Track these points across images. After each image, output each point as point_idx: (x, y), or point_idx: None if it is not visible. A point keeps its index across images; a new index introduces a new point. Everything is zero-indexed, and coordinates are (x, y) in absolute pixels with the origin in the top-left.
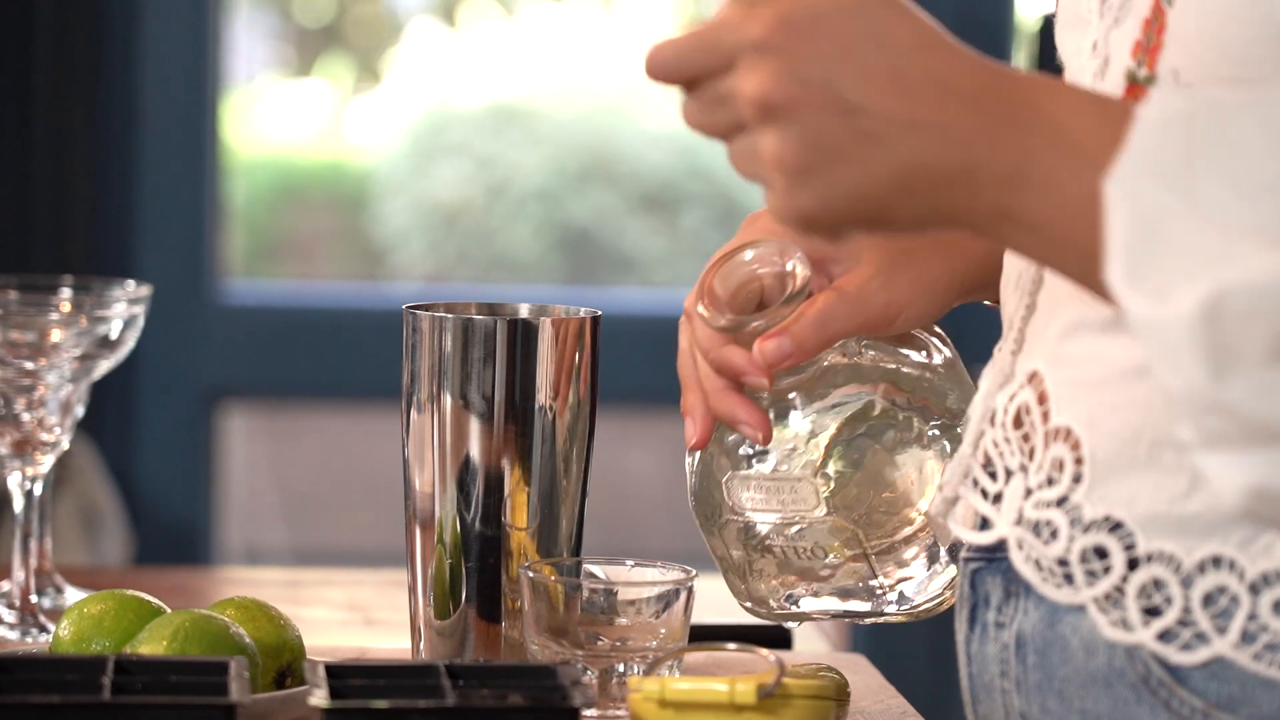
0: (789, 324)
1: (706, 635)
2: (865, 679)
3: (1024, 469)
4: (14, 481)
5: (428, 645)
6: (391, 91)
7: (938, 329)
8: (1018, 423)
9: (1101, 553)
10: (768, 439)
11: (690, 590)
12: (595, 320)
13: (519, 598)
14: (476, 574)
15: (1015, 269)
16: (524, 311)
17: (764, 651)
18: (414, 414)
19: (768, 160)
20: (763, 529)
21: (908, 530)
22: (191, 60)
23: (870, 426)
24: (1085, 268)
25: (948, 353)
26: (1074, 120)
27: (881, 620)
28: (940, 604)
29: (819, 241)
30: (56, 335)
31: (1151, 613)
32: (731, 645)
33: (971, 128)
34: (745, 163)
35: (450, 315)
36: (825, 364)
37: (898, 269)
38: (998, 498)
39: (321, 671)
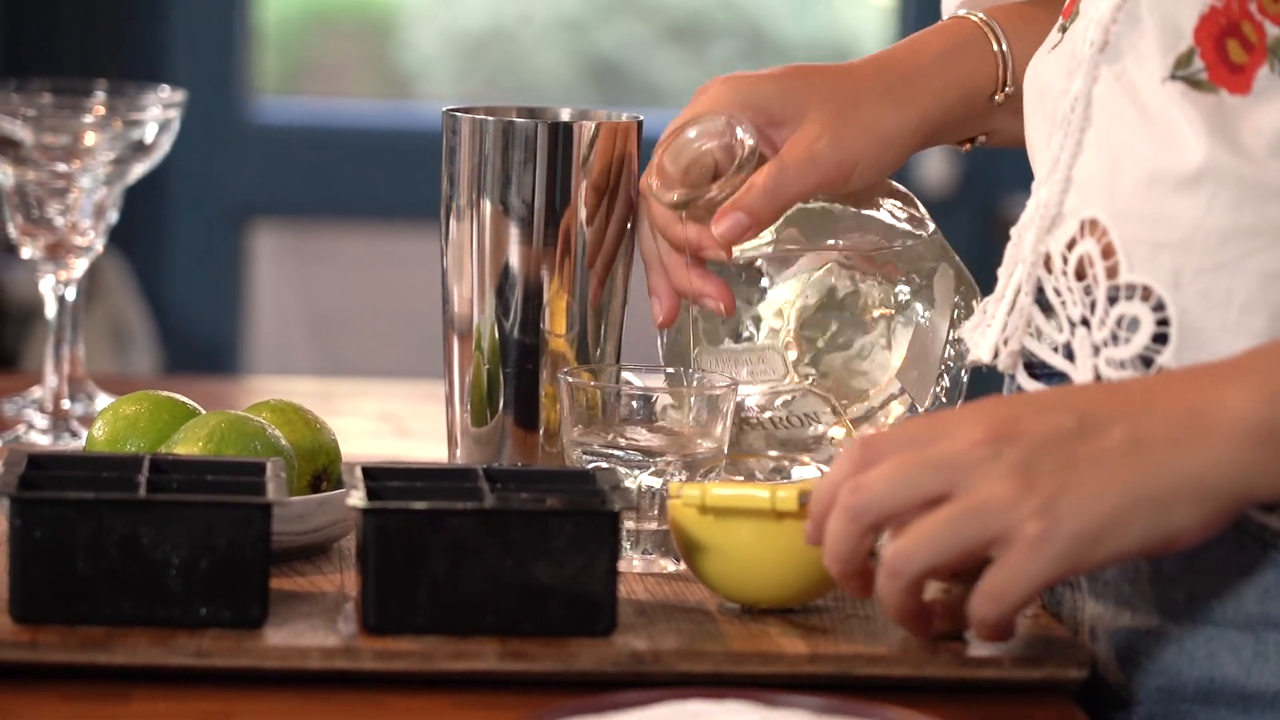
0: (741, 196)
1: None
2: None
3: (1085, 322)
4: (46, 285)
5: (465, 453)
6: None
7: (901, 187)
8: (1080, 273)
9: None
10: (730, 310)
11: (731, 398)
12: (638, 125)
13: (558, 405)
14: (514, 381)
15: (1049, 102)
16: (565, 115)
17: (806, 460)
18: (453, 221)
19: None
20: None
21: (883, 395)
22: None
23: (834, 292)
24: None
25: (914, 211)
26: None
27: None
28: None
29: (765, 104)
30: (90, 138)
31: None
32: (773, 453)
33: (1189, 381)
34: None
35: (490, 118)
36: (785, 234)
37: (847, 124)
38: (1068, 351)
39: (359, 473)
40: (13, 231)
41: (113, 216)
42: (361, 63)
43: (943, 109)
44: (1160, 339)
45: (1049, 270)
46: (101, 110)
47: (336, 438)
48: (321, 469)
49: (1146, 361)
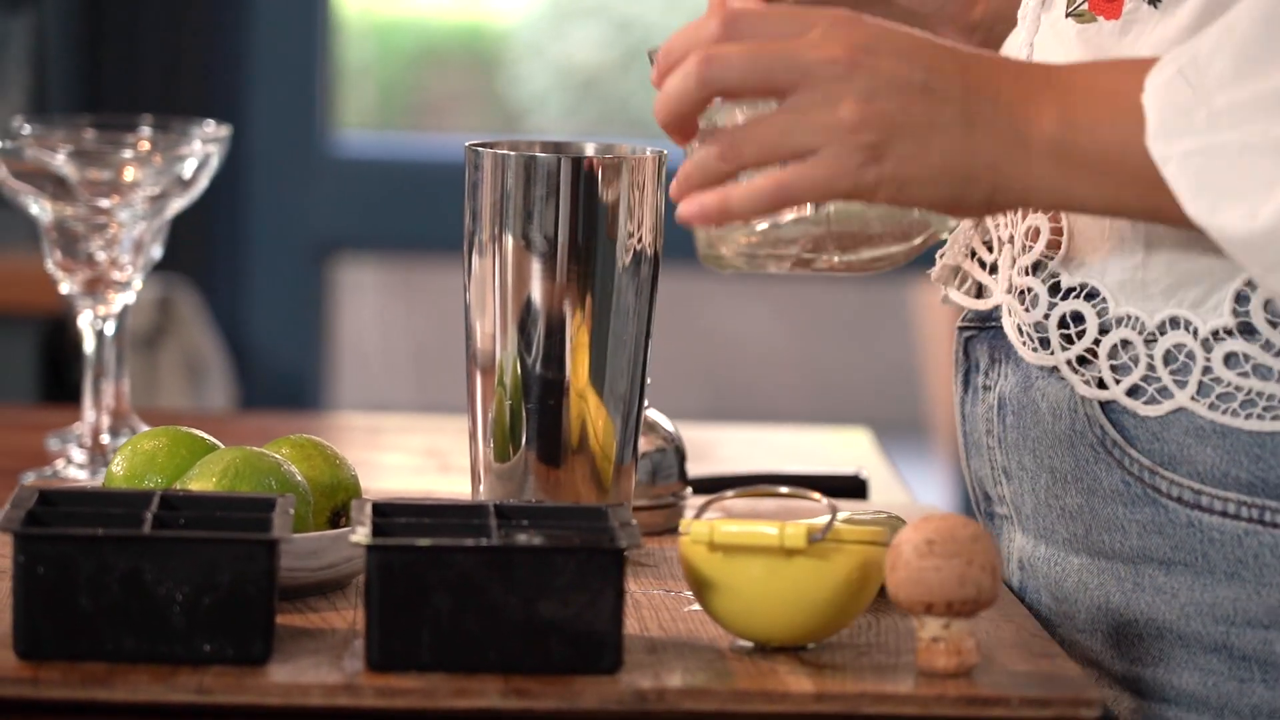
0: None
1: (777, 484)
2: None
3: (1011, 240)
4: (85, 320)
5: (488, 489)
6: None
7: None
8: None
9: (1078, 318)
10: None
11: None
12: (660, 159)
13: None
14: (537, 416)
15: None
16: (590, 150)
17: (816, 496)
18: (475, 256)
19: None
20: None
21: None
22: None
23: None
24: (1145, 190)
25: None
26: (1095, 73)
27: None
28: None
29: None
30: (130, 174)
31: (1119, 371)
32: (784, 489)
33: (1012, 84)
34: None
35: (512, 153)
36: None
37: None
38: (994, 267)
39: (368, 509)
40: (50, 267)
41: (156, 252)
42: (471, 97)
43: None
44: (1054, 245)
45: None
46: (146, 146)
47: (356, 473)
48: (340, 505)
49: (1040, 267)
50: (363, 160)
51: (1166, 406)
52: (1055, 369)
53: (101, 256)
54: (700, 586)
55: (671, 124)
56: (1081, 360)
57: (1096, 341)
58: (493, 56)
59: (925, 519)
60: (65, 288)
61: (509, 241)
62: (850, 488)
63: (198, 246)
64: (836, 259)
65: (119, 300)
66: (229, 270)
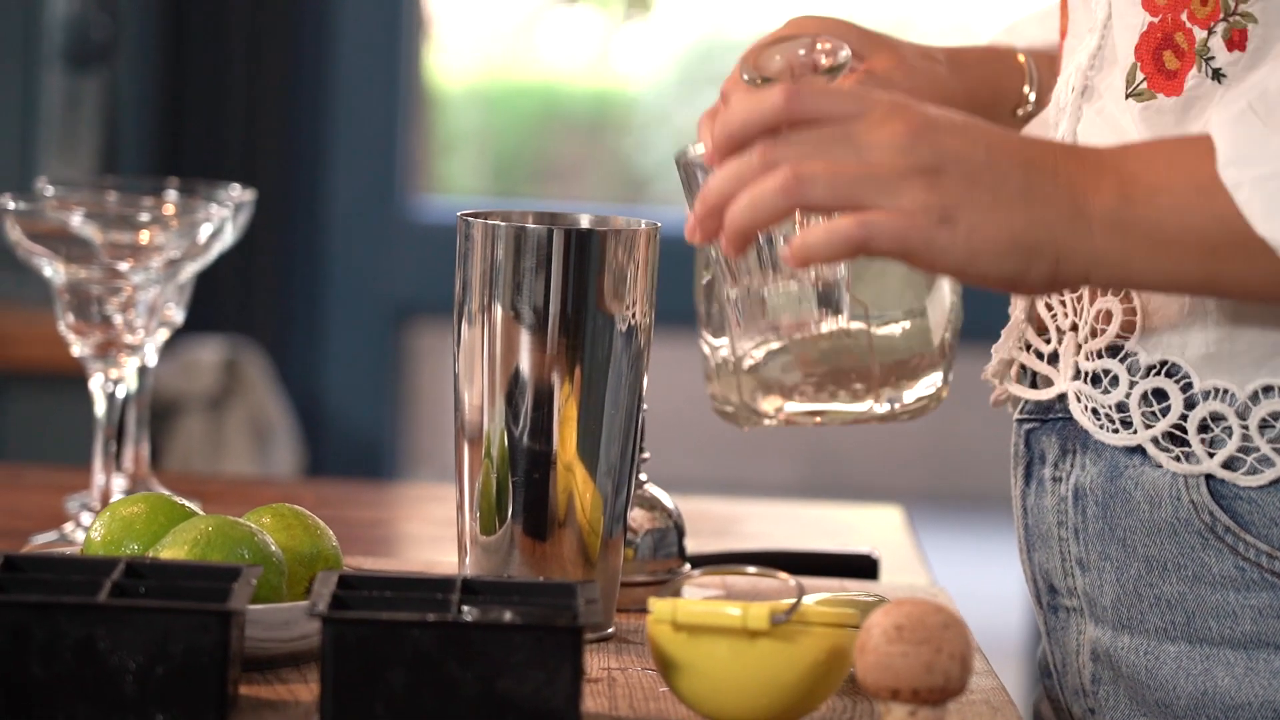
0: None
1: (786, 563)
2: None
3: (1075, 328)
4: (96, 384)
5: (474, 562)
6: (661, 21)
7: None
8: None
9: (1161, 395)
10: None
11: None
12: (654, 232)
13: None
14: (523, 489)
15: None
16: (585, 222)
17: (783, 575)
18: (464, 325)
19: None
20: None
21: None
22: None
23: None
24: (1203, 258)
25: None
26: (1149, 149)
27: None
28: (924, 408)
29: (846, 36)
30: (145, 237)
31: (1212, 445)
32: (752, 569)
33: (1068, 161)
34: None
35: (503, 223)
36: None
37: (914, 70)
38: (1053, 357)
39: (332, 581)
40: (63, 329)
41: (177, 317)
42: (597, 161)
43: (980, 99)
44: (1129, 326)
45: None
46: (170, 209)
47: (337, 543)
48: None
49: (1116, 349)
50: (444, 225)
51: (1268, 475)
52: (1146, 454)
53: (117, 319)
54: (666, 666)
55: (749, 229)
56: (1171, 438)
57: (1183, 417)
58: (620, 123)
59: (898, 603)
60: (77, 350)
61: (498, 312)
62: (861, 567)
63: (273, 309)
64: (875, 407)
65: (130, 363)
66: (304, 334)
